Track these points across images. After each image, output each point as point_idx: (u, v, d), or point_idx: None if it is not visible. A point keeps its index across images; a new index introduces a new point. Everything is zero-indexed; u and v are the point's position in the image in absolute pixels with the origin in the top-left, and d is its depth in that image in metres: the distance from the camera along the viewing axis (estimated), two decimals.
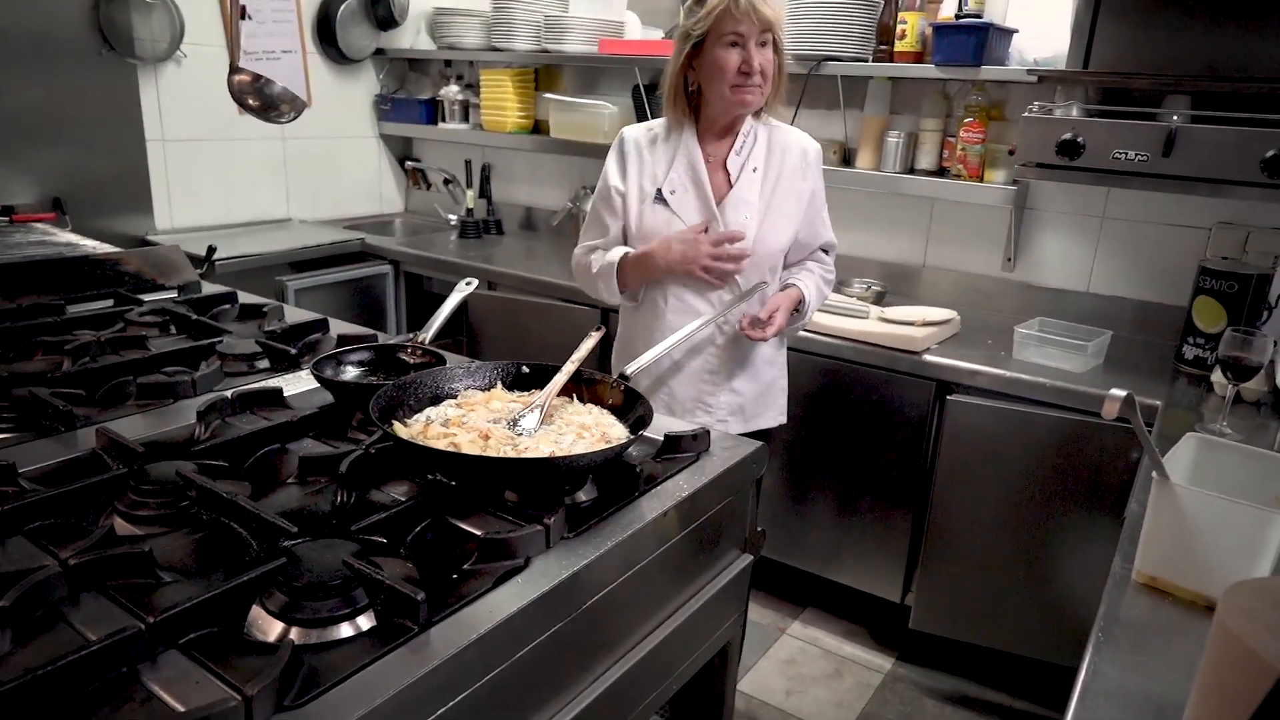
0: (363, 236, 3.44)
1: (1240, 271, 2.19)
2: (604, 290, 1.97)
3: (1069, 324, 2.41)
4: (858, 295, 2.77)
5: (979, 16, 2.53)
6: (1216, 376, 2.10)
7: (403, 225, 4.00)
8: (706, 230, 1.87)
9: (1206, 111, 2.02)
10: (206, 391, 1.61)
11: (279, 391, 1.57)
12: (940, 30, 2.51)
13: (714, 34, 1.76)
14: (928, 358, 2.31)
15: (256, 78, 1.76)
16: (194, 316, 1.98)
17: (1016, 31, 2.60)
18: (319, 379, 1.53)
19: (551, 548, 1.13)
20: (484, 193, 3.78)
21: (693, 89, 1.88)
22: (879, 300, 2.78)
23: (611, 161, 1.98)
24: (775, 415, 2.07)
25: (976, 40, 2.44)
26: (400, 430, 1.32)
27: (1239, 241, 2.36)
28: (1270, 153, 1.88)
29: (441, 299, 1.83)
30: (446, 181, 3.88)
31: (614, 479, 1.30)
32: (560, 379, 1.48)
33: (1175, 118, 2.00)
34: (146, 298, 2.19)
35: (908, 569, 2.49)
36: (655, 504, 1.29)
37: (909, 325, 2.39)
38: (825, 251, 2.05)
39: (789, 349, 2.13)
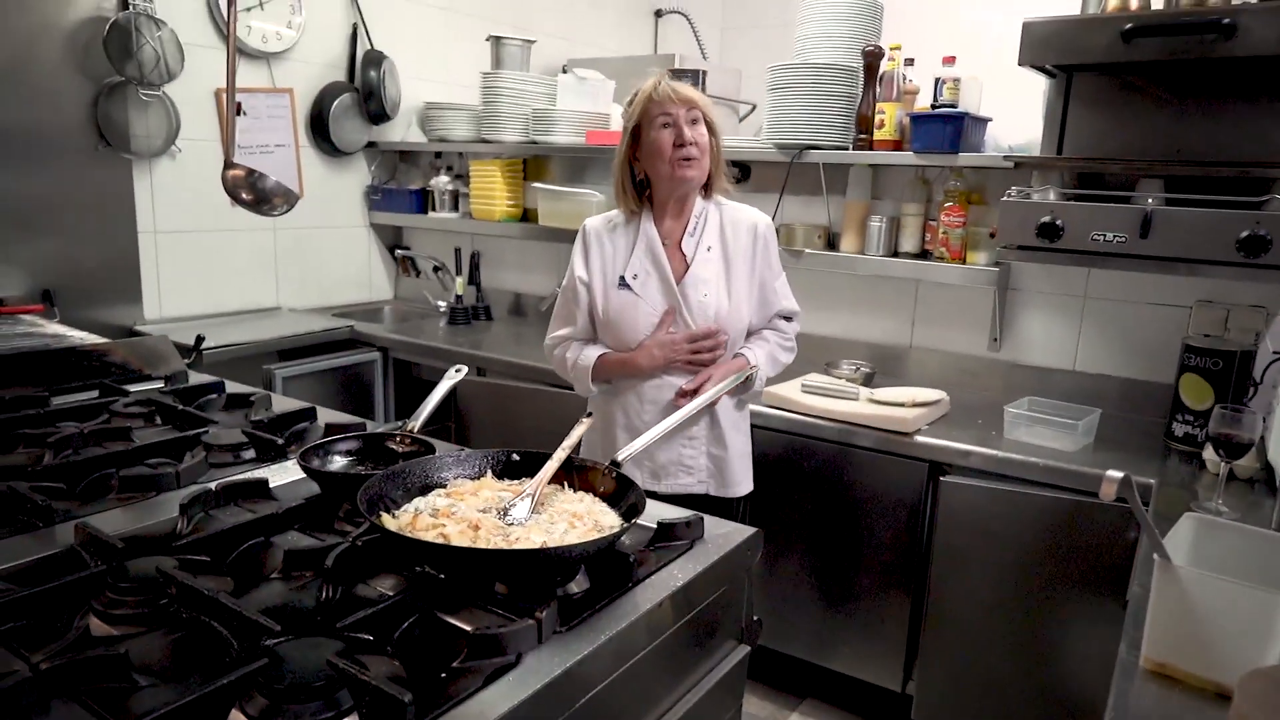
0: (352, 324, 3.45)
1: (1224, 349, 2.21)
2: (579, 386, 2.12)
3: (1058, 403, 2.41)
4: (846, 376, 2.78)
5: (954, 106, 2.62)
6: (1208, 454, 2.10)
7: (392, 312, 4.02)
8: (670, 313, 2.00)
9: (1179, 195, 2.07)
10: (190, 484, 1.58)
11: (264, 483, 1.55)
12: (917, 120, 2.59)
13: (647, 119, 1.92)
14: (919, 439, 2.30)
15: (250, 172, 1.78)
16: (180, 407, 1.96)
17: (990, 120, 2.69)
18: (305, 469, 1.51)
19: (544, 643, 1.10)
20: (473, 279, 3.82)
21: (640, 178, 2.03)
22: (867, 381, 2.79)
23: (576, 254, 2.10)
24: (748, 484, 2.15)
25: (953, 129, 2.52)
26: (388, 522, 1.29)
27: (1220, 319, 2.39)
28: (1245, 233, 1.92)
29: (431, 385, 1.82)
30: (436, 269, 3.92)
31: (607, 569, 1.28)
32: (551, 467, 1.46)
33: (1150, 200, 2.05)
34: (133, 388, 2.17)
35: (908, 656, 2.43)
36: (649, 595, 1.26)
37: (899, 406, 2.39)
38: (788, 320, 2.15)
39: (778, 430, 2.13)
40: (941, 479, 2.25)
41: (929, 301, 2.91)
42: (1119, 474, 1.08)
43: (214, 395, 2.17)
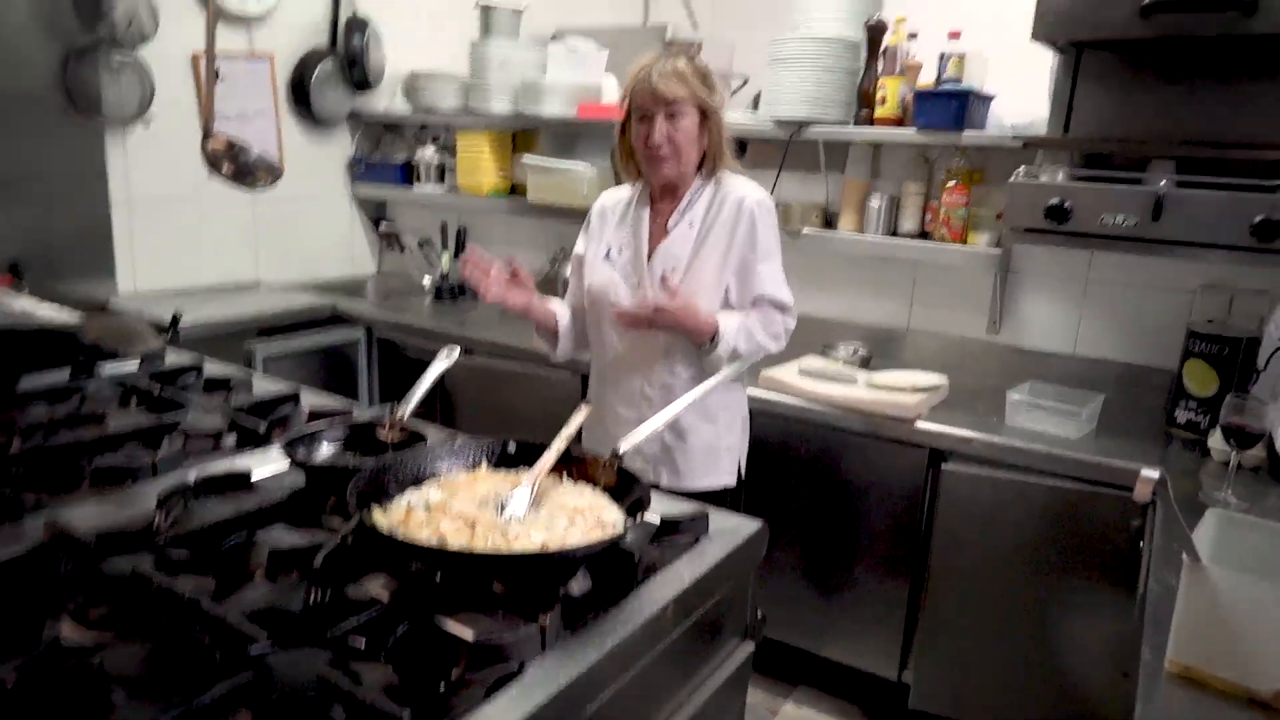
0: (335, 301, 3.35)
1: (1229, 335, 2.17)
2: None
3: (1059, 388, 2.37)
4: (844, 359, 2.73)
5: (958, 82, 2.54)
6: (1214, 442, 2.06)
7: (375, 288, 3.91)
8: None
9: (1191, 177, 2.01)
10: (168, 473, 1.50)
11: (247, 475, 1.47)
12: (921, 96, 2.52)
13: (631, 111, 1.91)
14: (920, 425, 2.26)
15: (231, 144, 1.69)
16: (156, 390, 1.88)
17: (995, 97, 2.62)
18: (290, 460, 1.44)
19: (548, 650, 1.04)
20: (459, 255, 3.72)
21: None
22: (865, 364, 2.74)
23: (582, 229, 2.14)
24: (720, 477, 2.05)
25: (958, 106, 2.45)
26: (380, 519, 1.22)
27: (1224, 304, 2.35)
28: (1259, 217, 1.87)
29: (416, 364, 1.76)
30: (421, 244, 3.82)
31: (609, 567, 1.21)
32: (550, 458, 1.40)
33: (1163, 182, 1.99)
34: (106, 368, 2.08)
35: (904, 645, 2.40)
36: (655, 596, 1.20)
37: (899, 391, 2.34)
38: (779, 310, 1.98)
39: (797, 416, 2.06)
40: (943, 467, 2.21)
41: (928, 283, 2.86)
42: (1154, 473, 1.04)
43: (192, 376, 2.08)
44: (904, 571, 2.36)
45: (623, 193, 2.10)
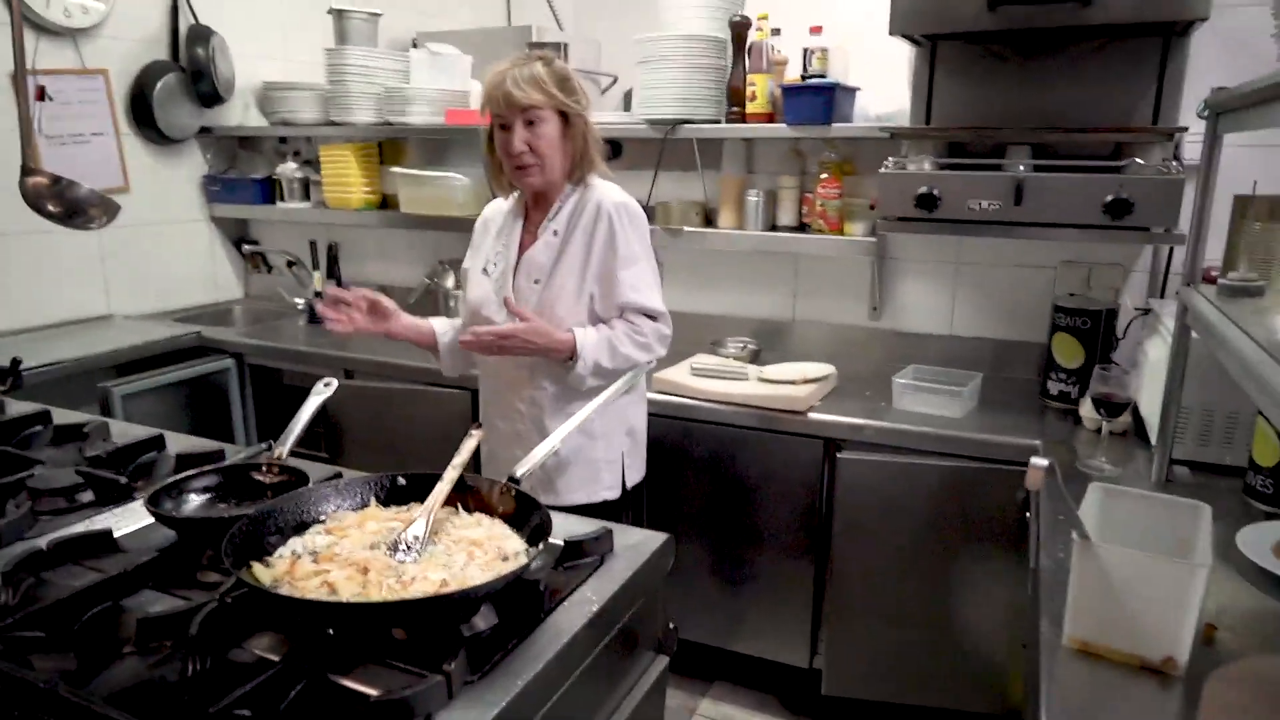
0: (198, 329, 3.14)
1: (1090, 308, 2.29)
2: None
3: (940, 369, 2.45)
4: (733, 355, 2.75)
5: (823, 77, 2.59)
6: (1085, 410, 2.17)
7: (244, 313, 3.70)
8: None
9: (1046, 161, 2.11)
10: (15, 541, 1.36)
11: (108, 534, 1.35)
12: (790, 91, 2.55)
13: (492, 119, 1.86)
14: (813, 416, 2.29)
15: (56, 179, 1.52)
16: None
17: (859, 89, 2.68)
18: (156, 515, 1.32)
19: (455, 698, 0.98)
20: (332, 273, 3.55)
21: None
22: (755, 358, 2.76)
23: (471, 241, 2.09)
24: (599, 491, 1.98)
25: (825, 100, 2.49)
26: (262, 573, 1.13)
27: (1083, 278, 2.48)
28: (1109, 197, 1.98)
29: (294, 391, 1.65)
30: (290, 264, 3.63)
31: (514, 599, 1.16)
32: (443, 489, 1.33)
33: (1021, 168, 2.08)
34: None
35: (813, 633, 2.44)
36: (565, 624, 1.16)
37: (790, 384, 2.37)
38: (650, 319, 1.91)
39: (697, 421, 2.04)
40: (838, 455, 2.25)
41: (809, 274, 2.91)
42: (1044, 461, 1.06)
43: (39, 427, 1.90)
44: (808, 561, 2.39)
45: (504, 204, 2.05)
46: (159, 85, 3.26)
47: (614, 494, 2.00)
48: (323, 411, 1.72)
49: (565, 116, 1.84)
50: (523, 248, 1.95)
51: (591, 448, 1.95)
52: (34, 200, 1.49)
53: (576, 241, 1.90)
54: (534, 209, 1.97)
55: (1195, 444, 1.89)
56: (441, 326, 2.10)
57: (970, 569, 2.19)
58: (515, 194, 2.00)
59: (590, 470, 1.97)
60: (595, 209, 1.90)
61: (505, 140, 1.83)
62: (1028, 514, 2.07)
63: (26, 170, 1.47)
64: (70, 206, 1.54)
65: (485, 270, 1.99)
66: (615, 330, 1.88)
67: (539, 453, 1.46)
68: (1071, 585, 1.17)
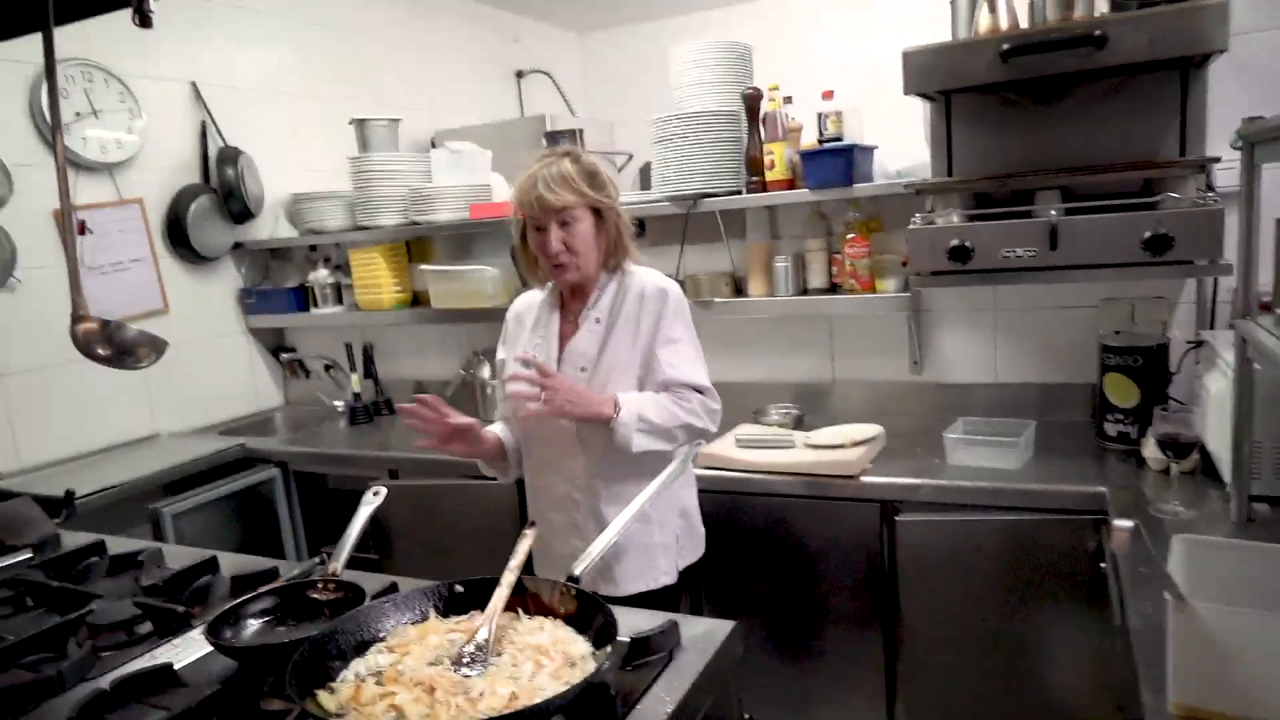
0: (243, 441, 3.17)
1: (1140, 345, 2.24)
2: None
3: (991, 419, 2.39)
4: (777, 422, 2.71)
5: (839, 139, 2.61)
6: (1148, 451, 2.10)
7: (285, 420, 3.74)
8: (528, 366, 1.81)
9: (1077, 204, 2.08)
10: (78, 683, 1.34)
11: (169, 668, 1.33)
12: (808, 156, 2.57)
13: (526, 219, 1.87)
14: (865, 479, 2.24)
15: (105, 323, 1.56)
16: (54, 584, 1.70)
17: (876, 148, 2.70)
18: (217, 646, 1.30)
19: None
20: (369, 373, 3.59)
21: None
22: (799, 424, 2.72)
23: (500, 338, 2.10)
24: (658, 576, 1.93)
25: (844, 161, 2.51)
26: (326, 701, 1.11)
27: (1126, 314, 2.42)
28: (1148, 233, 1.94)
29: (339, 495, 1.64)
30: (328, 367, 3.68)
31: (585, 706, 1.12)
32: (503, 595, 1.31)
33: (1053, 212, 2.06)
34: None
35: (889, 700, 2.34)
36: None
37: (839, 448, 2.33)
38: (694, 390, 1.88)
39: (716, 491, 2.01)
40: (896, 518, 2.19)
41: (845, 334, 2.89)
42: (1128, 523, 1.02)
43: (95, 559, 1.90)
44: (875, 628, 2.31)
45: (535, 296, 2.06)
46: (192, 207, 3.36)
47: (671, 579, 1.96)
48: (371, 517, 1.70)
49: (598, 211, 1.86)
50: (563, 337, 1.95)
51: (647, 533, 1.91)
52: (84, 346, 1.52)
53: (621, 328, 1.90)
54: (571, 299, 1.98)
55: (1273, 477, 1.81)
56: (501, 431, 2.05)
57: (1045, 624, 2.10)
58: (549, 285, 2.01)
59: (647, 557, 1.92)
60: (639, 295, 1.91)
61: (541, 241, 1.85)
62: (1102, 564, 1.99)
63: (76, 318, 1.51)
64: (120, 348, 1.57)
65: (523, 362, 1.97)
66: (655, 395, 1.87)
67: (596, 548, 1.43)
68: (1171, 648, 1.10)
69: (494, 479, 2.09)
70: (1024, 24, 2.13)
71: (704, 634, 1.36)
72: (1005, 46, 1.98)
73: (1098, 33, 1.90)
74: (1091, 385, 2.51)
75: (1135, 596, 1.43)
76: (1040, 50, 1.97)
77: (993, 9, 2.09)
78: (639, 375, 1.90)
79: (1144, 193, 2.12)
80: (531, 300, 2.06)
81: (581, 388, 1.84)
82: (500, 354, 2.08)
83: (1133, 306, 2.42)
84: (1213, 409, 1.93)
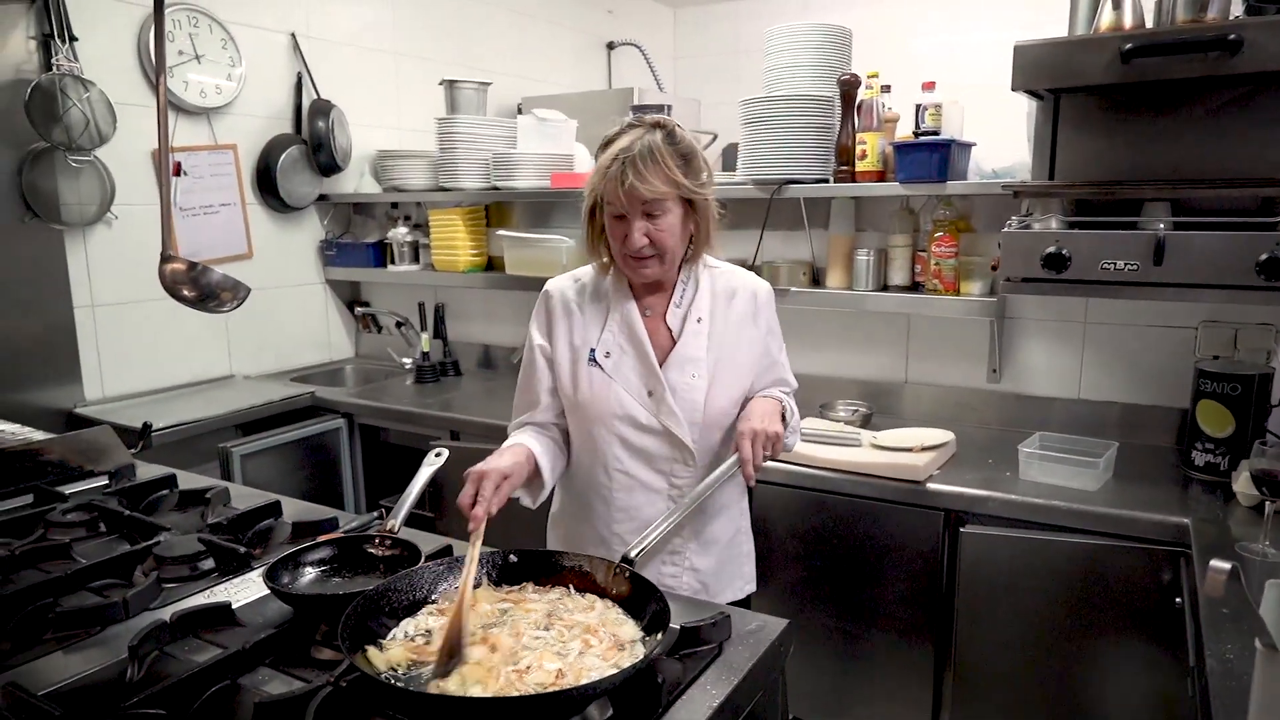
0: (313, 390, 3.24)
1: (1241, 373, 2.11)
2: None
3: (1071, 437, 2.30)
4: (844, 419, 2.65)
5: (936, 133, 2.52)
6: (1240, 486, 1.99)
7: (354, 373, 3.81)
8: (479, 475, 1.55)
9: (1188, 219, 1.97)
10: (141, 611, 1.38)
11: (227, 607, 1.36)
12: (902, 149, 2.48)
13: (604, 202, 1.60)
14: (932, 486, 2.17)
15: (192, 265, 1.59)
16: (126, 512, 1.76)
17: (975, 145, 2.59)
18: (274, 590, 1.32)
19: None
20: (439, 333, 3.63)
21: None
22: (866, 422, 2.66)
23: (536, 320, 1.77)
24: (743, 585, 1.84)
25: (940, 157, 2.42)
26: (376, 658, 1.11)
27: (1228, 339, 2.30)
28: (1265, 255, 1.83)
29: (400, 451, 1.64)
30: (399, 324, 3.73)
31: (630, 690, 1.11)
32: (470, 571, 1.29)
33: (1161, 225, 1.95)
34: (73, 489, 1.96)
35: (934, 713, 2.28)
36: (683, 718, 1.10)
37: (907, 451, 2.26)
38: (788, 390, 1.82)
39: (781, 485, 1.96)
40: (962, 530, 2.12)
41: (922, 335, 2.80)
42: (1226, 565, 0.95)
43: (165, 491, 1.96)
44: (928, 642, 2.25)
45: (574, 278, 1.78)
46: (283, 157, 3.43)
47: (753, 586, 1.86)
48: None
49: (689, 200, 1.61)
50: (652, 338, 1.69)
51: (738, 542, 1.82)
52: (170, 286, 1.55)
53: (737, 329, 1.72)
54: (646, 291, 1.72)
55: None
56: (532, 442, 1.70)
57: (1108, 656, 2.01)
58: (590, 269, 1.77)
59: (735, 565, 1.82)
60: (751, 296, 1.74)
61: (621, 230, 1.58)
62: (1178, 600, 1.90)
63: (165, 258, 1.54)
64: (204, 291, 1.60)
65: (594, 359, 1.69)
66: (776, 392, 1.76)
67: (654, 532, 1.41)
68: (1255, 698, 1.04)
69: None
70: (1149, 23, 2.01)
71: (756, 630, 1.33)
72: (1128, 45, 1.87)
73: (1232, 36, 1.77)
74: (1181, 411, 2.39)
75: (1214, 639, 1.35)
76: (1167, 52, 1.86)
77: (1117, 6, 1.97)
78: (751, 381, 1.75)
79: (1261, 212, 1.99)
80: (582, 280, 1.77)
81: (758, 423, 1.58)
82: (537, 338, 1.75)
83: (1236, 332, 2.30)
84: None
